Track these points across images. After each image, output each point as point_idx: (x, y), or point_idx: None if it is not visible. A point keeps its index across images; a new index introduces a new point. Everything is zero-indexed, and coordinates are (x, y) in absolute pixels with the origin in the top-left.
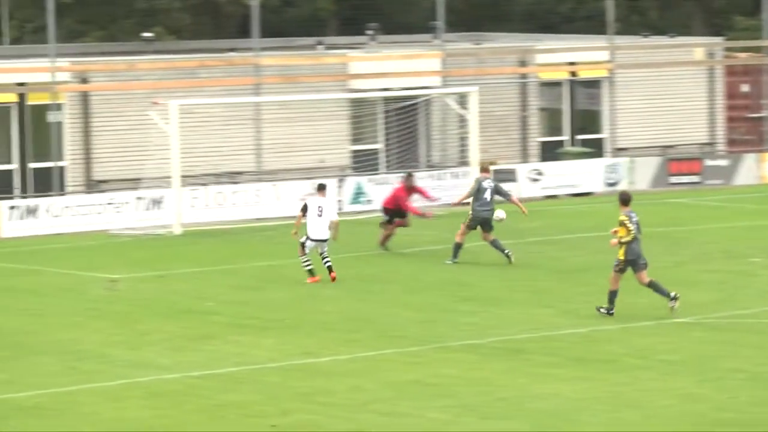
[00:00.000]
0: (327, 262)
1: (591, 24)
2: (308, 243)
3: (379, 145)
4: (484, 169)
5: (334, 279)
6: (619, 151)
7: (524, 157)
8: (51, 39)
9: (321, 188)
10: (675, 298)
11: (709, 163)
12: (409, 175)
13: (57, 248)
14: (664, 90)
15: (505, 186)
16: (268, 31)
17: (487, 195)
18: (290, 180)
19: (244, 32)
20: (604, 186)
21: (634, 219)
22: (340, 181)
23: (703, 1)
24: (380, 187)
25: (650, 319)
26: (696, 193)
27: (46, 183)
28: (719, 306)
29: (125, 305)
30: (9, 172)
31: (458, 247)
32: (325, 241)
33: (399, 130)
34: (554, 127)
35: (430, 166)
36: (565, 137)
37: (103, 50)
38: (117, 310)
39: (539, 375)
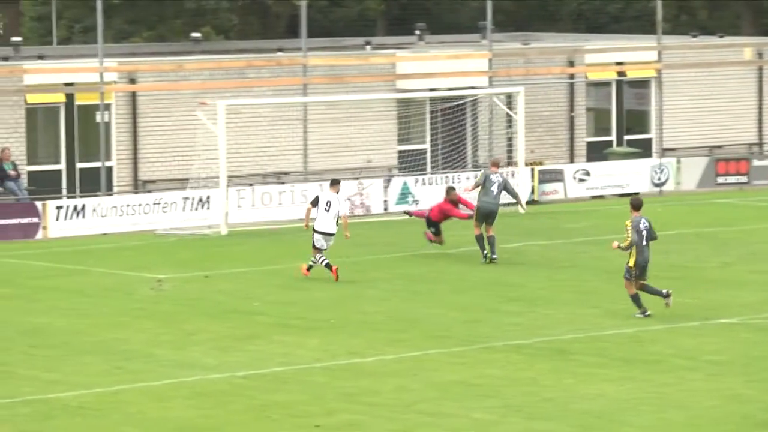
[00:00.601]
0: (314, 258)
1: (639, 24)
2: (315, 236)
3: (426, 146)
4: (494, 164)
5: (305, 274)
6: (666, 151)
7: (571, 158)
8: (99, 39)
9: (334, 183)
10: (668, 295)
11: (756, 163)
12: (451, 189)
13: (104, 248)
14: (712, 90)
15: (550, 185)
16: (315, 32)
17: (495, 188)
18: None
19: (292, 32)
20: (651, 186)
21: (642, 225)
22: (387, 181)
23: (753, 0)
24: (427, 188)
25: (696, 319)
26: (743, 194)
27: (94, 183)
28: (767, 307)
29: (171, 305)
30: (57, 171)
31: (479, 239)
32: (331, 235)
33: (446, 131)
34: (602, 128)
35: (477, 167)
36: (613, 137)
37: (151, 50)
38: (163, 310)
39: (585, 375)
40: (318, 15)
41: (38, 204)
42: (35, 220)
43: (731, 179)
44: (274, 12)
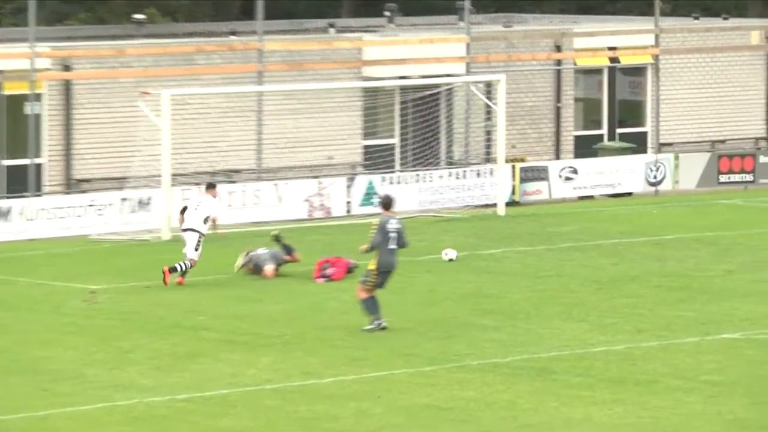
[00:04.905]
0: (177, 264)
1: (635, 4)
2: (183, 235)
3: (395, 140)
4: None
5: (165, 282)
6: (663, 146)
7: (557, 153)
8: (31, 21)
9: (209, 187)
10: (383, 328)
11: (763, 159)
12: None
13: (31, 255)
14: (715, 78)
15: (533, 185)
16: (273, 13)
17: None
18: (294, 179)
19: (246, 14)
20: (646, 185)
21: (391, 226)
22: (350, 179)
23: None
24: (395, 187)
25: (695, 334)
26: (748, 194)
27: (21, 182)
28: None
29: (106, 320)
30: None
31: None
32: (196, 231)
33: (417, 123)
34: (591, 120)
35: (451, 164)
36: (604, 131)
37: (89, 34)
38: (96, 325)
39: (570, 398)
40: None
41: None
42: None
43: (735, 178)
44: None
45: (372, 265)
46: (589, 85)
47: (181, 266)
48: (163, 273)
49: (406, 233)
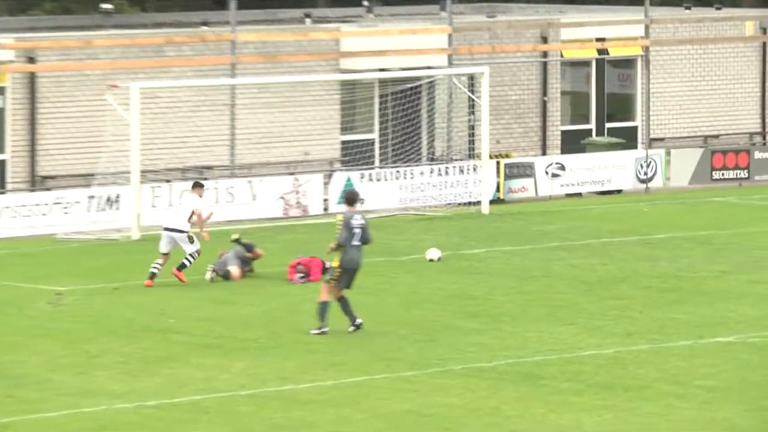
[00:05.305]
0: (184, 260)
1: None
2: (162, 234)
3: (374, 135)
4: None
5: (183, 281)
6: (654, 141)
7: (543, 149)
8: None
9: (195, 186)
10: (357, 326)
11: (758, 155)
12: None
13: None
14: (708, 70)
15: (519, 182)
16: (246, 3)
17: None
18: (269, 176)
19: (219, 4)
20: (636, 182)
21: (355, 222)
22: (327, 176)
23: None
24: (374, 184)
25: (688, 338)
26: (743, 191)
27: None
28: None
29: (73, 322)
30: None
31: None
32: (182, 232)
33: (398, 118)
34: (579, 114)
35: (433, 160)
36: (592, 125)
37: (54, 24)
38: (63, 328)
39: (557, 404)
40: None
41: None
42: None
43: (729, 174)
44: None
45: (335, 263)
46: (577, 78)
47: (188, 260)
48: (175, 276)
49: (369, 229)
